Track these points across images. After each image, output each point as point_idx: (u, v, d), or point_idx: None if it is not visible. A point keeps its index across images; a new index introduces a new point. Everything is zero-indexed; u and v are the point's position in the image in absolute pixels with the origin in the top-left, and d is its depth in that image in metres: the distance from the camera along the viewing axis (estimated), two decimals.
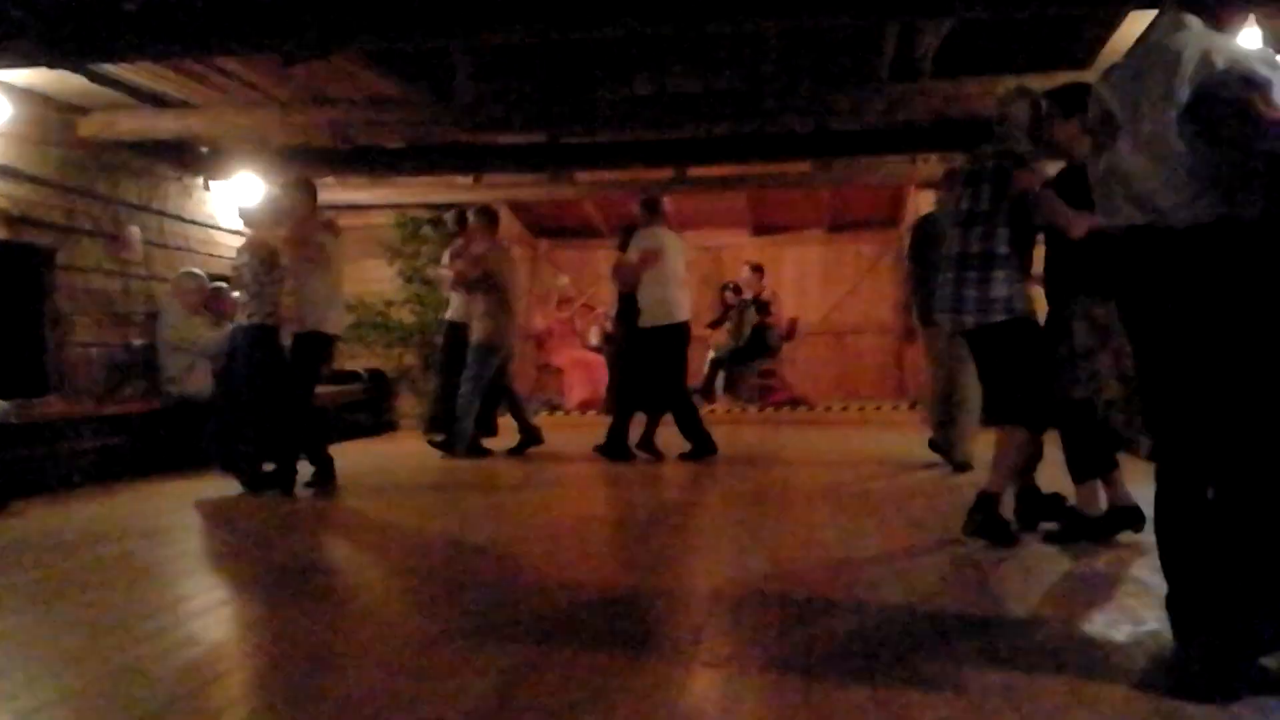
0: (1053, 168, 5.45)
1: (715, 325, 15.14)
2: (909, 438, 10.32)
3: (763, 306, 14.27)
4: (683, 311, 9.51)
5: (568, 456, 9.99)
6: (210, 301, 9.58)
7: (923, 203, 12.76)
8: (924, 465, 8.43)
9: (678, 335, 9.49)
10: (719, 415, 13.64)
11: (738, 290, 14.64)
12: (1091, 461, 5.36)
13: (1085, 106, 3.66)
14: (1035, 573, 4.72)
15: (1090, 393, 5.18)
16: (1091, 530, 5.31)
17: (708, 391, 14.52)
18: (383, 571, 5.28)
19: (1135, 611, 3.92)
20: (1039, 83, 8.05)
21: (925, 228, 8.32)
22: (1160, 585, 3.28)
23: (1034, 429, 5.39)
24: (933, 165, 12.25)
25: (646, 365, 9.49)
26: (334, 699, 3.17)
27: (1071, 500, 5.49)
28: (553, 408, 14.08)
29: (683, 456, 9.43)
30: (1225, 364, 3.10)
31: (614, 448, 9.60)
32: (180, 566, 5.48)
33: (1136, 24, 7.54)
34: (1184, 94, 3.09)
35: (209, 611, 4.41)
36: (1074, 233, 4.95)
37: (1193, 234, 3.10)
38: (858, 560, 5.02)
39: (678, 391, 9.57)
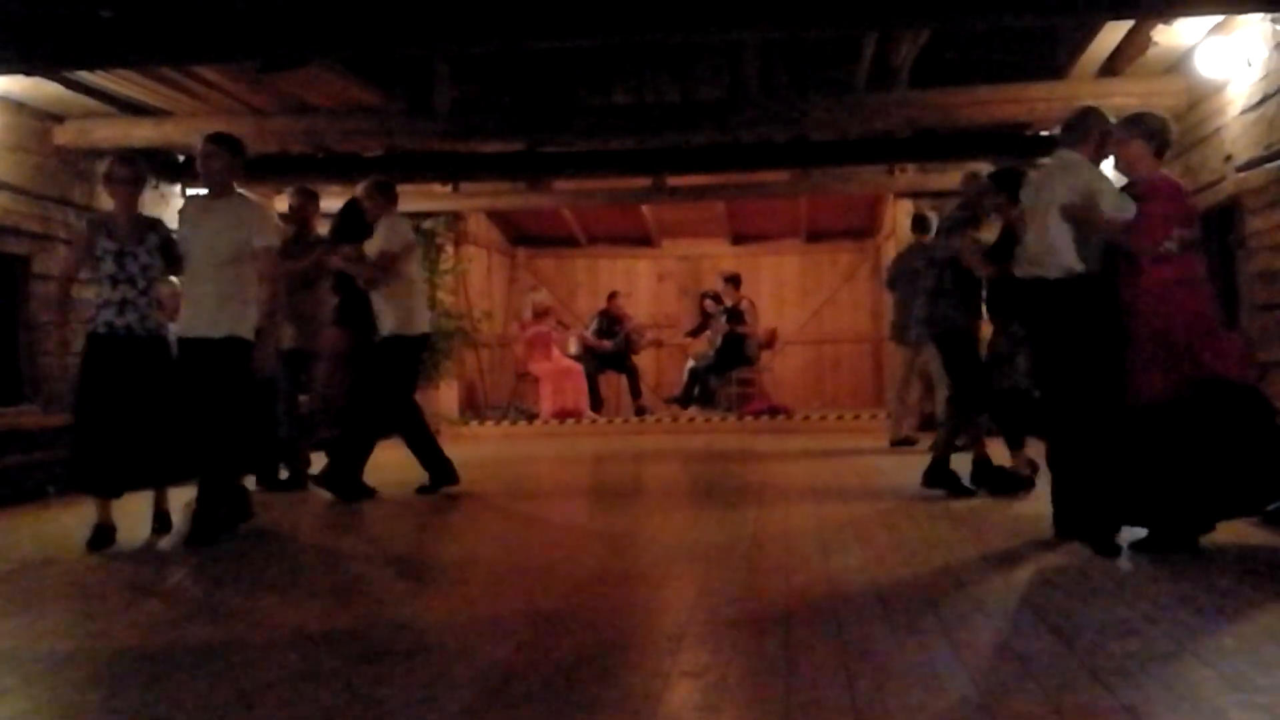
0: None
1: (695, 334, 15.17)
2: (883, 445, 10.35)
3: (735, 315, 14.29)
4: (426, 321, 8.18)
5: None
6: None
7: (900, 213, 12.83)
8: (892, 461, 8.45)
9: (419, 349, 8.20)
10: (697, 425, 13.67)
11: (718, 299, 14.66)
12: (1017, 436, 7.20)
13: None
14: (1009, 574, 4.73)
15: (1013, 384, 7.08)
16: (1019, 486, 7.06)
17: (686, 401, 14.54)
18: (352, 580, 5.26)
19: (1119, 614, 3.93)
20: (1016, 93, 8.14)
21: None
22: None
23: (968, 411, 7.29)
24: (910, 176, 12.31)
25: (383, 381, 7.85)
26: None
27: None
28: (530, 417, 14.08)
29: (421, 490, 7.88)
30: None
31: (344, 483, 7.73)
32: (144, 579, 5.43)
33: (1113, 33, 7.61)
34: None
35: (152, 628, 4.38)
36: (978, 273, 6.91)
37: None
38: (835, 567, 5.03)
39: (409, 412, 7.97)
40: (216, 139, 6.36)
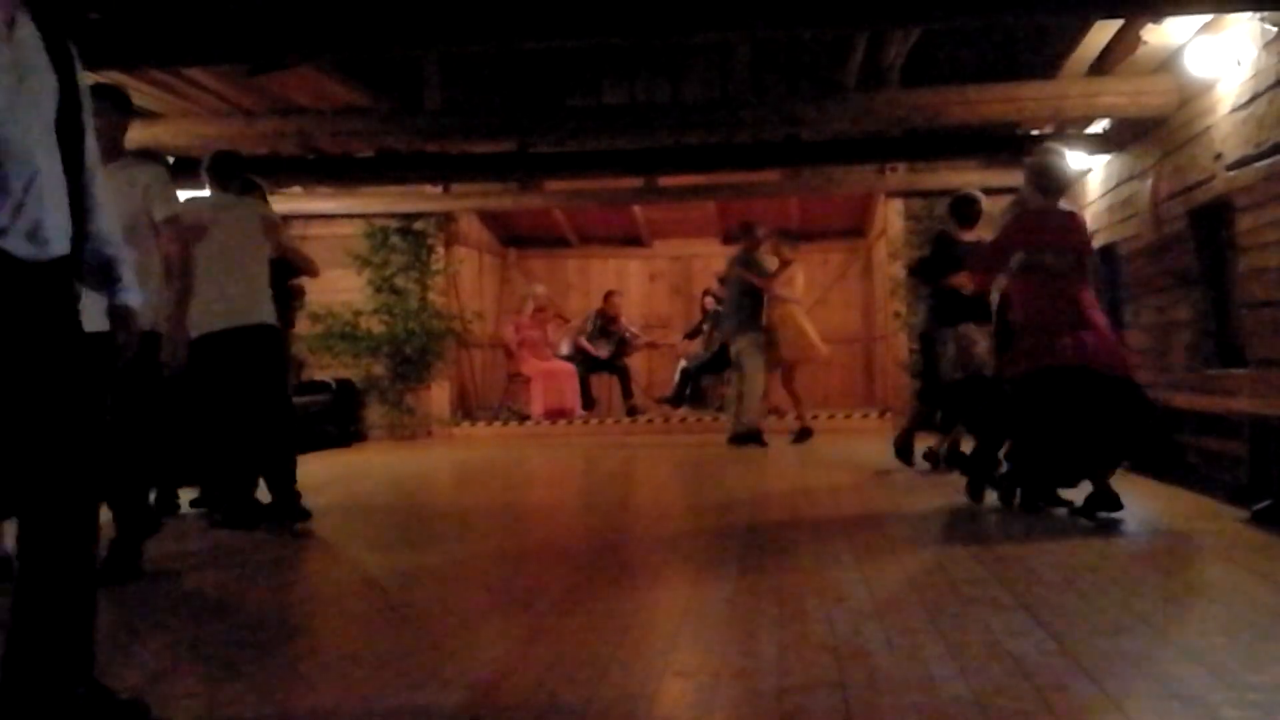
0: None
1: (692, 336, 15.12)
2: (875, 445, 10.35)
3: None
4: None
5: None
6: None
7: (891, 212, 12.85)
8: (893, 469, 8.47)
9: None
10: (689, 424, 13.66)
11: (718, 298, 14.63)
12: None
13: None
14: (1000, 571, 4.73)
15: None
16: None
17: (678, 401, 14.53)
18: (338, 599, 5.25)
19: (1110, 611, 3.93)
20: (1006, 92, 8.16)
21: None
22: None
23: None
24: (900, 175, 12.33)
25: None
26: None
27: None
28: (521, 417, 14.06)
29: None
30: None
31: (239, 509, 6.57)
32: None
33: (1102, 33, 7.63)
34: None
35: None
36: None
37: None
38: (827, 565, 5.03)
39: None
40: (97, 92, 4.91)
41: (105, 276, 3.09)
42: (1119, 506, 5.86)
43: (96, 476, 2.93)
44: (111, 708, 2.88)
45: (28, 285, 2.79)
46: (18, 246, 2.75)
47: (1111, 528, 5.78)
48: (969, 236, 8.08)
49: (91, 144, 3.02)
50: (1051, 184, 6.48)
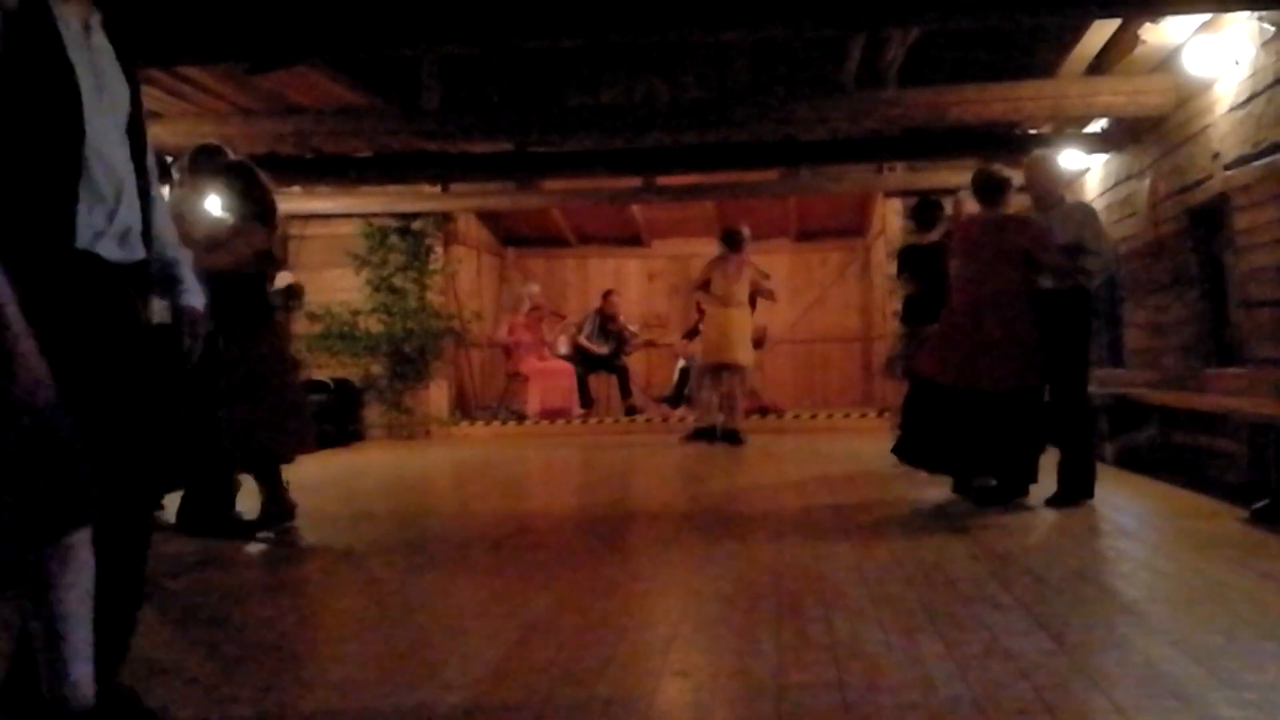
0: None
1: (690, 336, 15.11)
2: (874, 444, 10.35)
3: None
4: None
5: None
6: None
7: (889, 211, 12.85)
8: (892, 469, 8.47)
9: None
10: (687, 424, 13.64)
11: None
12: None
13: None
14: (999, 570, 4.73)
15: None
16: None
17: (676, 400, 14.52)
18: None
19: (1108, 611, 3.94)
20: (1004, 92, 8.16)
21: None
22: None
23: None
24: (899, 175, 12.33)
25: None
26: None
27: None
28: (520, 417, 14.06)
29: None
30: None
31: (208, 518, 6.23)
32: None
33: (1100, 32, 7.64)
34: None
35: None
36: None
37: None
38: (825, 564, 5.03)
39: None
40: None
41: (167, 278, 3.12)
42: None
43: (162, 481, 2.93)
44: (111, 707, 2.88)
45: (117, 289, 2.83)
46: (110, 250, 2.79)
47: (1080, 516, 5.89)
48: (931, 238, 8.34)
49: (150, 148, 3.04)
50: (985, 192, 6.68)
